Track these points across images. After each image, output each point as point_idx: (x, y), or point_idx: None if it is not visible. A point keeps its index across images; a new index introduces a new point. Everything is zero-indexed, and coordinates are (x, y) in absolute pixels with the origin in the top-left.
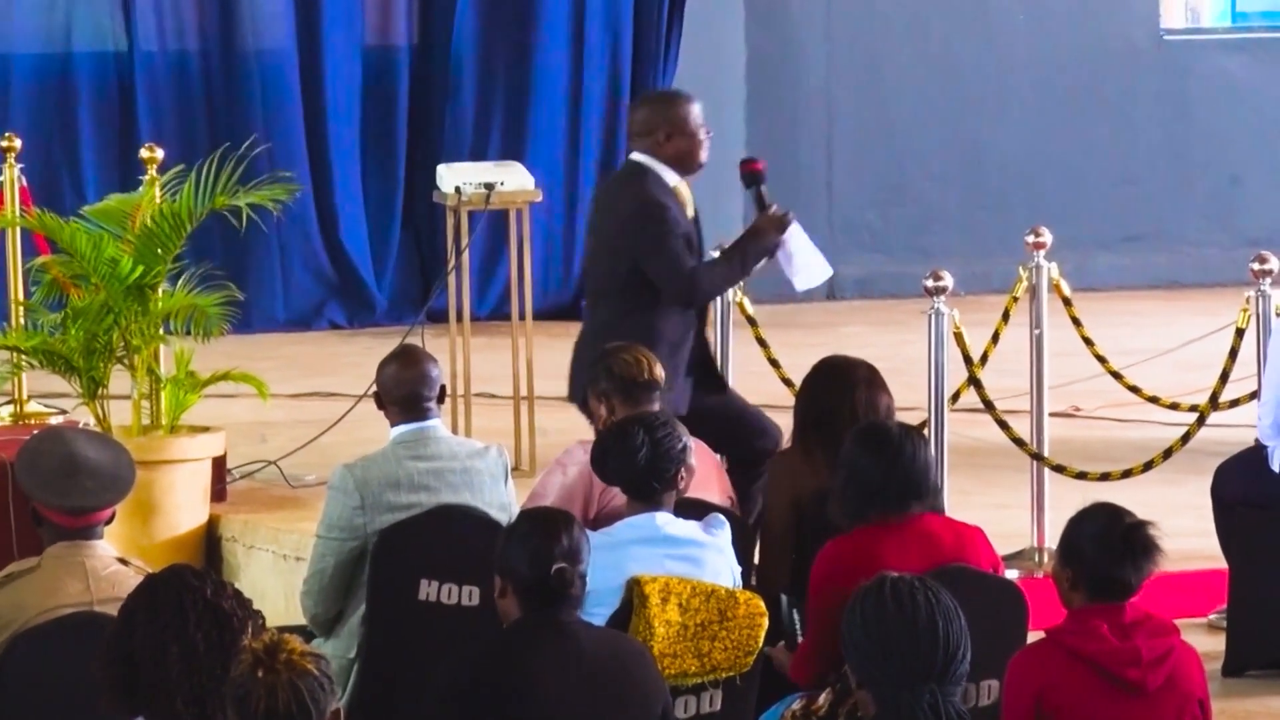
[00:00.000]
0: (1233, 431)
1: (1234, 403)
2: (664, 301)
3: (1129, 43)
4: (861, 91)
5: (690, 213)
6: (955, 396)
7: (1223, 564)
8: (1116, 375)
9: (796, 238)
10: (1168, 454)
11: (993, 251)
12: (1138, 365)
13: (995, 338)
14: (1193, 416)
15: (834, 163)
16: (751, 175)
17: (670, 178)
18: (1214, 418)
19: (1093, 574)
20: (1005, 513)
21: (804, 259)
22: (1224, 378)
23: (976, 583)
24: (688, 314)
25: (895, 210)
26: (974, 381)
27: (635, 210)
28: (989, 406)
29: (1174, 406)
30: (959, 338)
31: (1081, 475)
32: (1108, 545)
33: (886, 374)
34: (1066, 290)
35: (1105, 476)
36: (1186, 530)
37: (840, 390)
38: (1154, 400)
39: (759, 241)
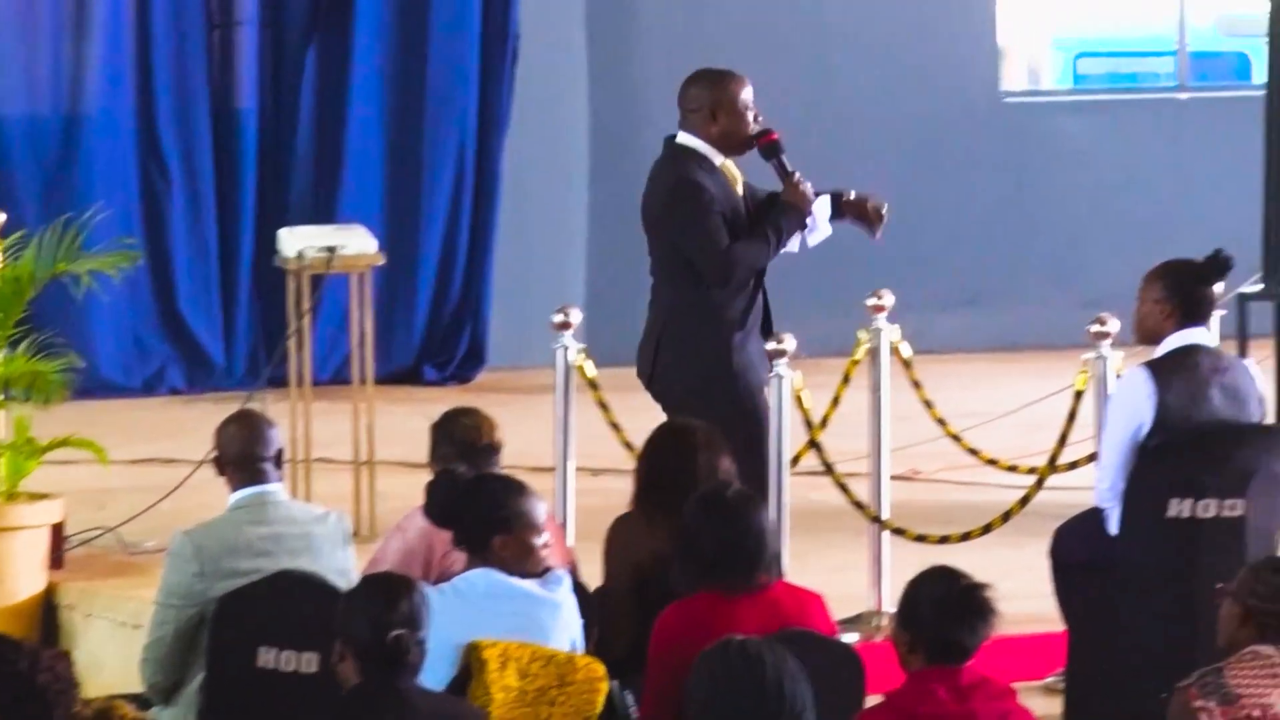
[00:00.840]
0: (1071, 494)
1: (1072, 465)
2: (705, 280)
3: (969, 104)
4: None
5: (740, 190)
6: (796, 459)
7: (1061, 627)
8: (956, 438)
9: (820, 205)
10: (1007, 516)
11: (834, 314)
12: (977, 427)
13: (836, 401)
14: (1032, 479)
15: None
16: (770, 146)
17: (716, 157)
18: (1052, 480)
19: (930, 637)
20: (845, 576)
21: (821, 223)
22: (1063, 440)
23: (816, 647)
24: (747, 287)
25: None
26: (814, 444)
27: (670, 190)
28: (829, 469)
29: (1013, 469)
30: (800, 400)
31: (921, 538)
32: (945, 608)
33: None
34: (907, 353)
35: (945, 539)
36: (1025, 593)
37: (681, 454)
38: (993, 463)
39: (792, 215)
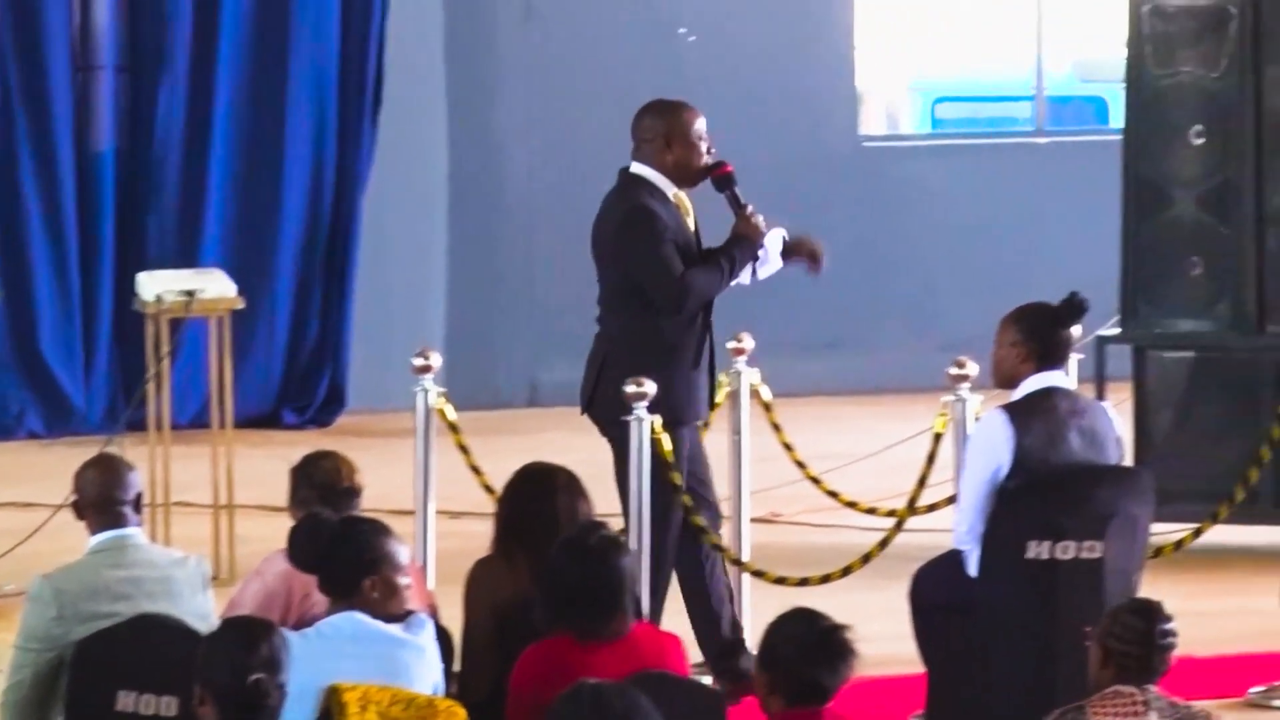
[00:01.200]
0: (930, 536)
1: (932, 507)
2: (656, 308)
3: (828, 149)
4: (564, 200)
5: (691, 223)
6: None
7: (920, 668)
8: (816, 480)
9: (773, 238)
10: (866, 559)
11: None
12: (837, 470)
13: None
14: (891, 521)
15: (536, 270)
16: (724, 178)
17: (669, 188)
18: (912, 522)
19: (790, 679)
20: None
21: (773, 256)
22: (922, 483)
23: (676, 688)
24: (695, 321)
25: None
26: (675, 488)
27: (623, 218)
28: (689, 512)
29: (872, 511)
30: (658, 443)
31: (781, 580)
32: (805, 649)
33: (588, 480)
34: (767, 396)
35: (804, 582)
36: (885, 635)
37: (541, 496)
38: (853, 505)
39: (745, 246)
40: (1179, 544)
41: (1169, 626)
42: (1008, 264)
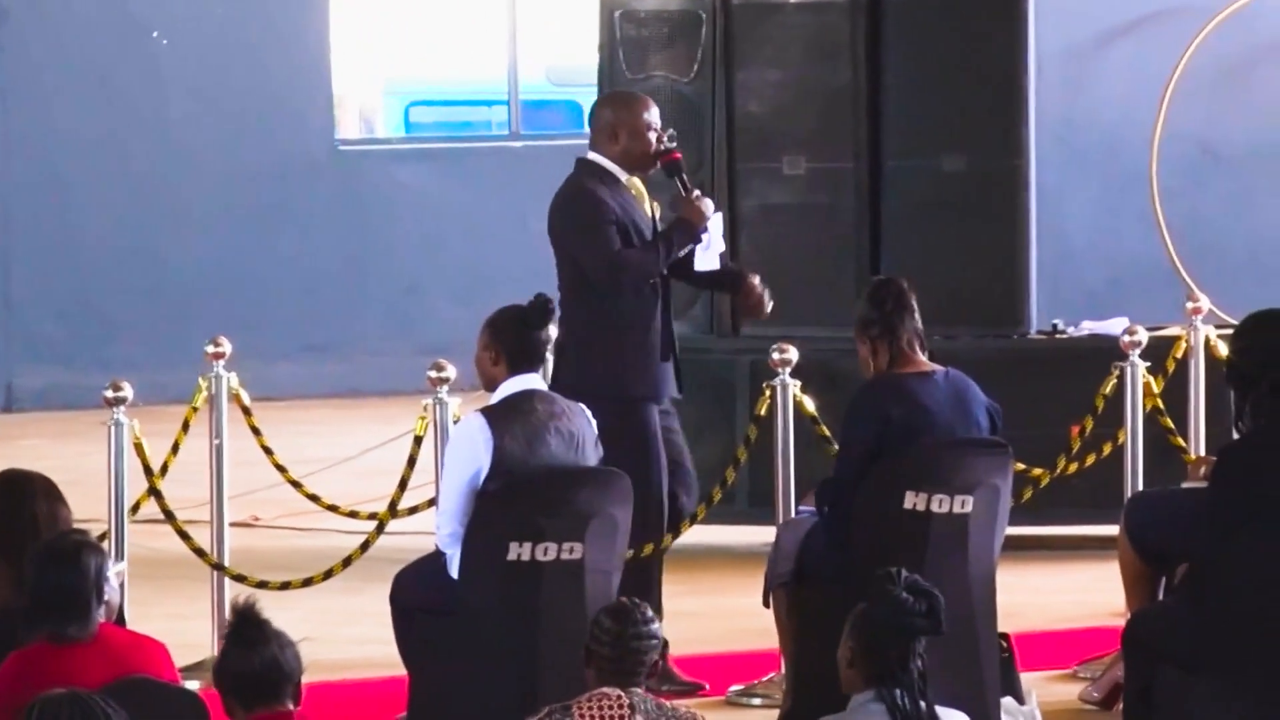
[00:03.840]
0: (412, 539)
1: (413, 510)
2: (594, 285)
3: (307, 154)
4: (42, 204)
5: (646, 209)
6: (135, 507)
7: (403, 671)
8: (296, 484)
9: (715, 225)
10: (348, 562)
11: (175, 362)
12: (318, 474)
13: (176, 448)
14: (373, 524)
15: (12, 275)
16: (671, 165)
17: (621, 174)
18: (393, 525)
19: (237, 681)
20: (186, 623)
21: (714, 245)
22: (403, 485)
23: (159, 693)
24: (645, 296)
25: (78, 322)
26: (154, 492)
27: (562, 201)
28: (169, 517)
29: (354, 515)
30: (139, 448)
31: (263, 584)
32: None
33: (66, 486)
34: (246, 400)
35: (285, 586)
36: (367, 638)
37: (17, 503)
38: (334, 508)
39: (684, 229)
40: (657, 545)
41: (647, 629)
42: (487, 267)
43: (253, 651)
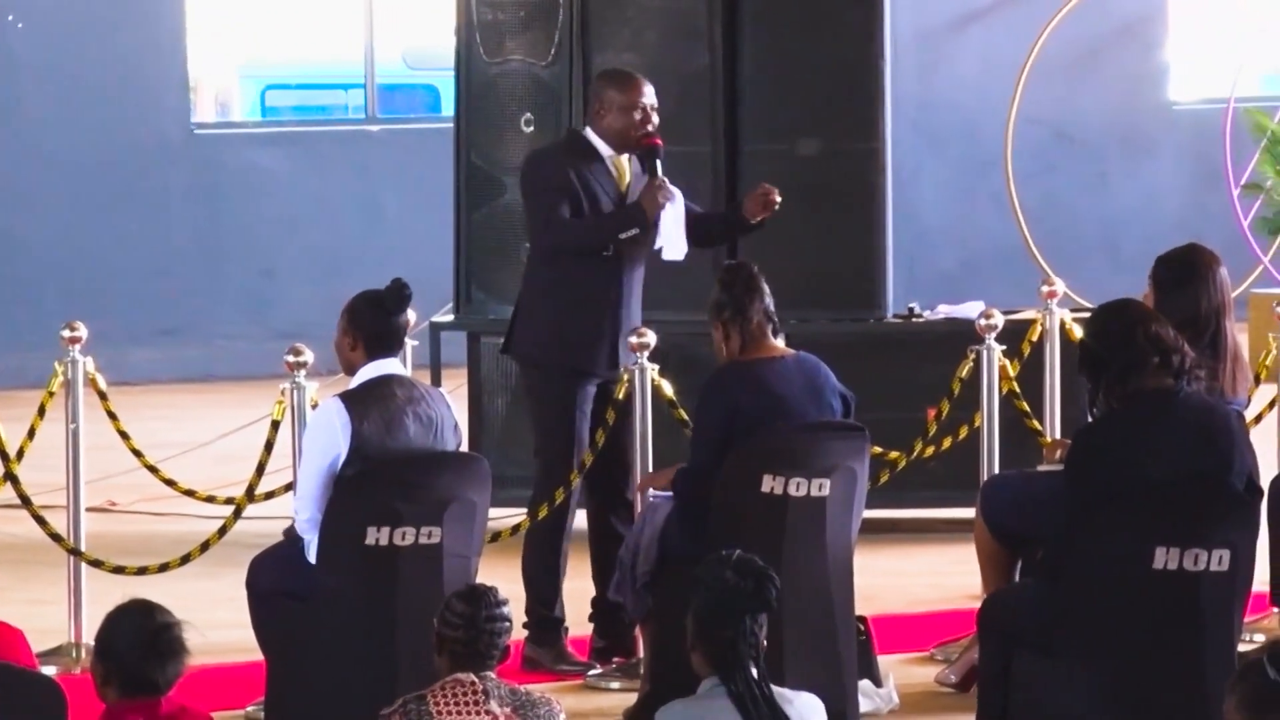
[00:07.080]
0: (269, 524)
1: (270, 495)
2: (532, 247)
3: (161, 136)
4: None
5: (623, 186)
6: None
7: (260, 656)
8: (153, 469)
9: (669, 216)
10: (205, 547)
11: (29, 346)
12: (175, 459)
13: (32, 433)
14: (230, 509)
15: None
16: (647, 150)
17: (606, 150)
18: (251, 510)
19: (124, 672)
20: (43, 608)
21: (670, 234)
22: (260, 470)
23: (16, 679)
24: (598, 270)
25: None
26: (10, 477)
27: (526, 161)
28: (26, 502)
29: (211, 499)
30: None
31: (120, 569)
32: (138, 644)
33: None
34: (103, 384)
35: (143, 570)
36: (225, 623)
37: None
38: (191, 494)
39: (634, 213)
40: (516, 528)
41: (499, 611)
42: (345, 251)
43: (166, 665)
